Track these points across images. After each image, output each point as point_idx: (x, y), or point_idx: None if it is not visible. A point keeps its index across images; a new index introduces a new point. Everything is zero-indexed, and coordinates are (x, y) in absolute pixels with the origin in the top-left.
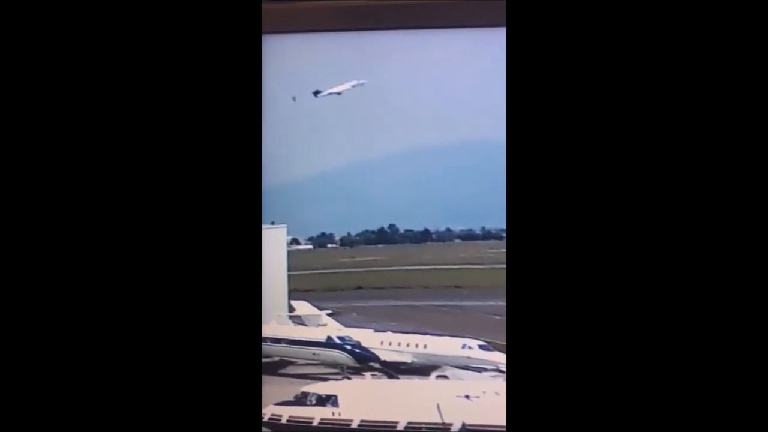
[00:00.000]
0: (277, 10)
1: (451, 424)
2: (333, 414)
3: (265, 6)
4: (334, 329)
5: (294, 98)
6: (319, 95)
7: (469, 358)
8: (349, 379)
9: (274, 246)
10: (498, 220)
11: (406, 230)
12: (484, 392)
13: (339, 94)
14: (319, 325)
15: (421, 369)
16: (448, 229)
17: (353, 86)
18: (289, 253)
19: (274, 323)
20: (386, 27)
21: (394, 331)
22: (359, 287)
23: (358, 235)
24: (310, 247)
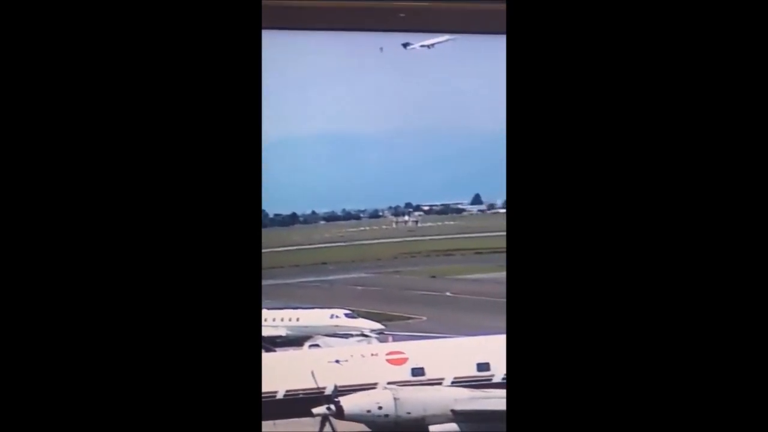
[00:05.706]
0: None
1: (324, 388)
2: None
3: (264, 3)
4: None
5: (381, 49)
6: (408, 47)
7: (336, 326)
8: None
9: None
10: (356, 203)
11: (276, 214)
12: (351, 356)
13: (429, 47)
14: None
15: (295, 340)
16: (314, 212)
17: (447, 40)
18: None
19: None
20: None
21: (269, 308)
22: None
23: None
24: None
